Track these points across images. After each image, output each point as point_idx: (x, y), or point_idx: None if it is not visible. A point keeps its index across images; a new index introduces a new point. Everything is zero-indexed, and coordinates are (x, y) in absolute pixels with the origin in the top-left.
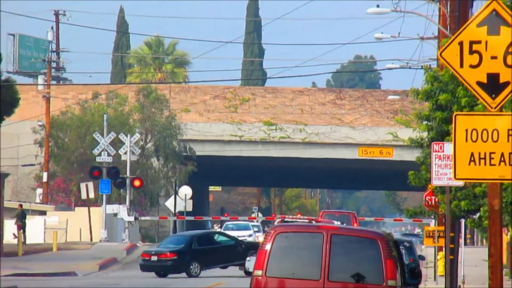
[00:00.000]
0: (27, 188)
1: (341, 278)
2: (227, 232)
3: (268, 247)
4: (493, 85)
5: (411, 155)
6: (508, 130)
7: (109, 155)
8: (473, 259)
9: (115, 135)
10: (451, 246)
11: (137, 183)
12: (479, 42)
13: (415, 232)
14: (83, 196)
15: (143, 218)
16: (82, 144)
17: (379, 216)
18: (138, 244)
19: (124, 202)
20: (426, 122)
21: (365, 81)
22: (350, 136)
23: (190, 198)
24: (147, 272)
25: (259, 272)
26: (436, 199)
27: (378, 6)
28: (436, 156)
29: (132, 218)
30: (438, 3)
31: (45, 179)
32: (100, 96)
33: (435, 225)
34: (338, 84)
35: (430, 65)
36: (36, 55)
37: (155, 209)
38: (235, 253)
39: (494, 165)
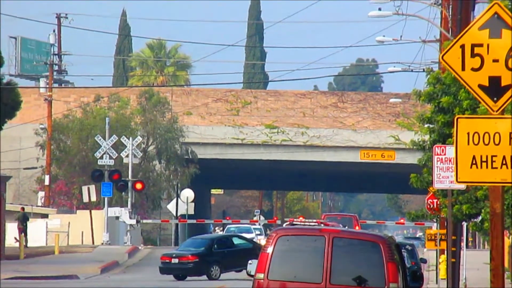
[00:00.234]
0: (29, 191)
1: (343, 281)
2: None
3: (270, 250)
4: (495, 88)
5: (413, 158)
6: (510, 133)
7: (111, 158)
8: (475, 262)
9: (117, 138)
10: (453, 249)
11: (139, 186)
12: (481, 45)
13: (417, 236)
14: (85, 199)
15: (145, 221)
16: (84, 147)
17: (381, 219)
18: (140, 247)
19: (126, 205)
20: (428, 125)
21: (367, 84)
22: (352, 139)
23: (192, 201)
24: (166, 275)
25: (261, 275)
26: (438, 203)
27: (380, 9)
28: (438, 159)
29: (134, 221)
30: (440, 6)
31: (47, 182)
32: (102, 99)
33: (437, 228)
34: (340, 87)
35: (432, 68)
36: (38, 58)
37: (157, 212)
38: (253, 256)
39: (496, 168)
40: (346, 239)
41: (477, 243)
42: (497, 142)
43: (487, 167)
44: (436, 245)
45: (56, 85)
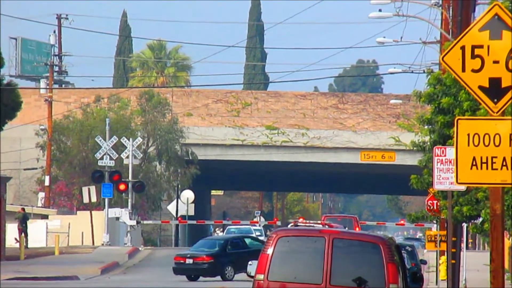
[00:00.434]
0: (29, 192)
1: (343, 282)
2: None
3: (270, 251)
4: (495, 89)
5: (413, 160)
6: (510, 134)
7: (111, 159)
8: (475, 263)
9: (117, 139)
10: (453, 250)
11: (122, 187)
12: (481, 46)
13: (417, 237)
14: (85, 200)
15: (145, 222)
16: (84, 148)
17: (381, 221)
18: (140, 248)
19: (126, 206)
20: (428, 126)
21: (368, 85)
22: (352, 140)
23: (192, 202)
24: (179, 276)
25: (261, 276)
26: (438, 204)
27: (380, 10)
28: (438, 160)
29: (134, 222)
30: (440, 8)
31: (47, 183)
32: (102, 100)
33: (437, 229)
34: (341, 89)
35: (432, 69)
36: (38, 59)
37: (157, 213)
38: None
39: (496, 169)
40: (346, 240)
41: (477, 244)
42: (497, 143)
43: (487, 168)
44: (436, 246)
45: (56, 86)
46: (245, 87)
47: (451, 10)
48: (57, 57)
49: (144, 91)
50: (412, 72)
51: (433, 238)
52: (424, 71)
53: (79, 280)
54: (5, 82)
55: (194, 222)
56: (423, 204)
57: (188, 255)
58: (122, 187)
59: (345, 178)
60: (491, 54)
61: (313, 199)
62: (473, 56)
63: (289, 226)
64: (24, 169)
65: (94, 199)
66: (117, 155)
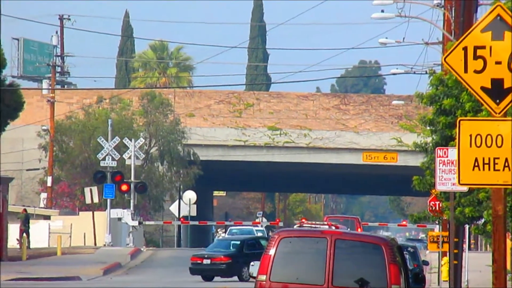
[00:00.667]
0: (32, 192)
1: (345, 283)
2: (231, 237)
3: (272, 252)
4: (497, 90)
5: (416, 160)
6: None
7: (113, 159)
8: (477, 264)
9: (119, 139)
10: (455, 251)
11: (124, 187)
12: (483, 47)
13: (419, 238)
14: (88, 200)
15: (147, 222)
16: (87, 148)
17: (383, 221)
18: (142, 249)
19: (129, 206)
20: (430, 127)
21: (370, 86)
22: (354, 141)
23: (195, 203)
24: (195, 276)
25: (263, 277)
26: (441, 205)
27: (382, 11)
28: (440, 161)
29: (136, 223)
30: (442, 8)
31: (49, 184)
32: (104, 101)
33: (439, 230)
34: (343, 89)
35: (434, 70)
36: (40, 59)
37: (159, 213)
38: None
39: (498, 170)
40: (348, 241)
41: (479, 245)
42: (499, 144)
43: (489, 169)
44: (438, 247)
45: (58, 86)
46: (247, 88)
47: (453, 11)
48: (59, 57)
49: (146, 92)
50: (414, 73)
51: (435, 239)
52: (426, 72)
53: (81, 281)
54: (7, 82)
55: (196, 223)
56: (425, 205)
57: (206, 256)
58: (124, 187)
59: (347, 179)
60: (493, 55)
61: (315, 200)
62: (476, 57)
63: (295, 226)
64: (27, 170)
65: (96, 199)
66: (119, 156)
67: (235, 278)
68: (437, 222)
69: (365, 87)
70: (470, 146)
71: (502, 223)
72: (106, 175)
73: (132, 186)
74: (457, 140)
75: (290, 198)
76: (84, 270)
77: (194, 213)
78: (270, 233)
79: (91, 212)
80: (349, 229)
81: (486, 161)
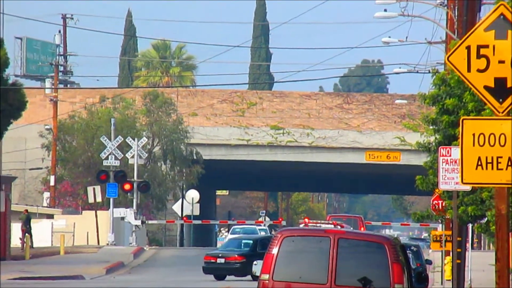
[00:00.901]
0: (35, 191)
1: (348, 282)
2: (234, 236)
3: (275, 251)
4: (500, 89)
5: (419, 160)
6: None
7: (116, 158)
8: (480, 263)
9: (122, 139)
10: (458, 250)
11: (127, 187)
12: (486, 46)
13: (422, 237)
14: (90, 199)
15: (150, 221)
16: (89, 148)
17: (386, 221)
18: (145, 248)
19: (131, 205)
20: (433, 126)
21: (373, 85)
22: (357, 140)
23: (197, 202)
24: (208, 275)
25: (266, 276)
26: (444, 204)
27: (385, 10)
28: (443, 160)
29: (139, 222)
30: (445, 7)
31: (52, 183)
32: (107, 100)
33: (442, 229)
34: (346, 88)
35: (437, 69)
36: (43, 58)
37: (162, 212)
38: None
39: (502, 169)
40: (351, 240)
41: (483, 245)
42: (502, 143)
43: (492, 168)
44: (441, 247)
45: (61, 85)
46: (250, 87)
47: (456, 10)
48: (62, 57)
49: (149, 91)
50: (417, 72)
51: (438, 238)
52: (429, 71)
53: (84, 280)
54: (10, 82)
55: (199, 222)
56: (428, 204)
57: (220, 255)
58: (127, 187)
59: (350, 178)
60: (497, 54)
61: (318, 199)
62: (479, 56)
63: (301, 226)
64: (30, 169)
65: (99, 199)
66: (122, 155)
67: (249, 277)
68: (440, 221)
69: (368, 86)
70: (473, 145)
71: (506, 222)
72: (109, 174)
73: (135, 185)
74: (460, 139)
75: (293, 197)
76: (87, 269)
77: (197, 212)
78: (273, 232)
79: (94, 211)
80: (352, 228)
81: (489, 160)
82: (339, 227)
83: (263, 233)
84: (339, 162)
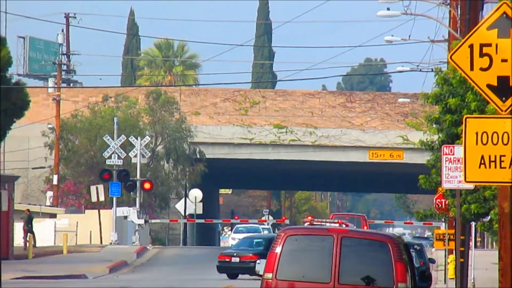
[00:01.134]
0: (38, 191)
1: (351, 281)
2: (237, 235)
3: (278, 250)
4: (503, 88)
5: (422, 158)
6: None
7: (119, 158)
8: (483, 262)
9: (125, 138)
10: (461, 249)
11: (147, 185)
12: (489, 45)
13: (425, 235)
14: (93, 198)
15: (153, 220)
16: (92, 147)
17: (389, 219)
18: (148, 247)
19: (134, 204)
20: (436, 125)
21: (376, 84)
22: (360, 139)
23: (200, 201)
24: (222, 274)
25: (269, 275)
26: (447, 202)
27: (388, 9)
28: (446, 159)
29: (142, 221)
30: (448, 6)
31: (55, 182)
32: (110, 99)
33: (445, 228)
34: (348, 87)
35: (440, 68)
36: (46, 57)
37: (165, 211)
38: None
39: (505, 168)
40: (354, 238)
41: (486, 243)
42: (505, 142)
43: (495, 166)
44: (444, 245)
45: (64, 84)
46: (253, 86)
47: (459, 8)
48: (65, 56)
49: (152, 90)
50: (420, 70)
51: (441, 237)
52: (432, 69)
53: (87, 279)
54: (13, 81)
55: (202, 221)
56: (431, 203)
57: (234, 254)
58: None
59: (353, 177)
60: (500, 53)
61: (321, 198)
62: (482, 55)
63: (305, 224)
64: (32, 168)
65: (102, 198)
66: (125, 154)
67: None
68: (443, 220)
69: (371, 85)
70: (476, 143)
71: (509, 220)
72: (112, 174)
73: (138, 184)
74: (463, 138)
75: (296, 196)
76: (90, 268)
77: (200, 211)
78: (276, 231)
79: (97, 211)
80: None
81: (492, 158)
82: (344, 225)
83: (266, 232)
84: (342, 161)
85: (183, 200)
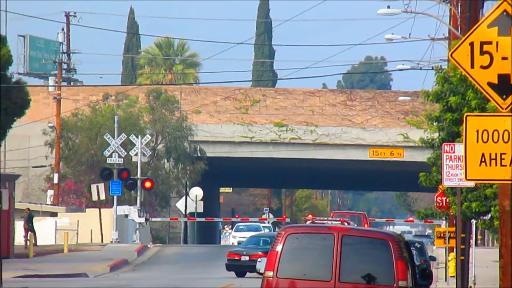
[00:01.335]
0: (38, 189)
1: (352, 279)
2: (238, 233)
3: (279, 248)
4: (504, 86)
5: (422, 156)
6: None
7: (120, 156)
8: (484, 260)
9: (125, 136)
10: (462, 247)
11: (148, 184)
12: (490, 42)
13: (426, 233)
14: (94, 197)
15: (154, 219)
16: (93, 145)
17: (390, 217)
18: (149, 245)
19: (135, 203)
20: (436, 123)
21: (376, 82)
22: (360, 137)
23: (201, 199)
24: (230, 272)
25: (270, 273)
26: (447, 200)
27: (389, 7)
28: (447, 157)
29: (143, 220)
30: (449, 4)
31: (56, 181)
32: (111, 98)
33: (446, 226)
34: (349, 85)
35: (441, 66)
36: (46, 56)
37: (166, 210)
38: None
39: (505, 165)
40: (355, 237)
41: (486, 241)
42: (506, 139)
43: (496, 164)
44: (445, 243)
45: (64, 83)
46: (253, 84)
47: (459, 6)
48: (65, 54)
49: (152, 89)
50: (420, 68)
51: (442, 235)
52: (432, 67)
53: (88, 278)
54: (13, 80)
55: (203, 219)
56: (432, 201)
57: (244, 252)
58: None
59: (354, 175)
60: (500, 51)
61: (321, 196)
62: (482, 53)
63: (307, 223)
64: (33, 167)
65: (102, 196)
66: (125, 153)
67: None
68: (444, 218)
69: (371, 83)
70: (477, 141)
71: (509, 218)
72: (113, 172)
73: (138, 182)
74: (463, 136)
75: (296, 194)
76: (91, 267)
77: (200, 209)
78: (277, 229)
79: (97, 209)
80: (356, 225)
81: (493, 156)
82: (346, 224)
83: (267, 230)
84: (342, 159)
85: (183, 198)
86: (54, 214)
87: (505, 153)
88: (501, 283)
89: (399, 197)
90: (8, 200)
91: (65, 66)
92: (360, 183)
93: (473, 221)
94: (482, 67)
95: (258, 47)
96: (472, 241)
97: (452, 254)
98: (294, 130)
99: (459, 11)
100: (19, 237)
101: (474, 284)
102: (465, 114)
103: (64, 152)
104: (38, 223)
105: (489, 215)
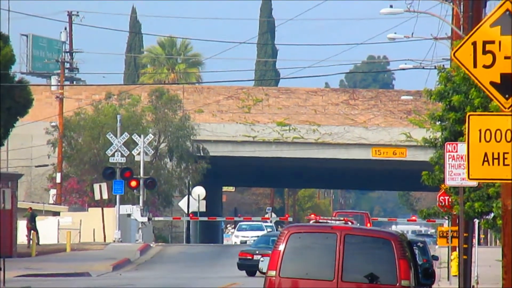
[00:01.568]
0: (41, 189)
1: (355, 279)
2: (241, 232)
3: (281, 247)
4: (506, 85)
5: (425, 156)
6: None
7: (122, 155)
8: (487, 259)
9: (128, 136)
10: (464, 246)
11: (133, 183)
12: (492, 42)
13: (429, 233)
14: (97, 196)
15: (156, 218)
16: (96, 145)
17: (392, 217)
18: (151, 245)
19: (138, 202)
20: (439, 122)
21: (378, 81)
22: (363, 136)
23: (204, 199)
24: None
25: (273, 273)
26: (450, 200)
27: (391, 6)
28: (450, 156)
29: (145, 219)
30: (451, 4)
31: (58, 180)
32: (113, 97)
33: (448, 225)
34: (351, 85)
35: (443, 65)
36: (49, 55)
37: (168, 209)
38: None
39: (508, 165)
40: (357, 236)
41: (489, 240)
42: (508, 139)
43: (498, 164)
44: (448, 242)
45: (67, 82)
46: (256, 84)
47: (462, 6)
48: (68, 54)
49: (155, 88)
50: (423, 68)
51: (444, 234)
52: (435, 67)
53: (90, 277)
54: (16, 79)
55: (206, 218)
56: (434, 200)
57: (257, 252)
58: (133, 183)
59: (356, 174)
60: (503, 50)
61: (324, 195)
62: (485, 52)
63: (311, 222)
64: (36, 166)
65: (105, 196)
66: (128, 152)
67: None
68: (446, 218)
69: (374, 82)
70: (480, 141)
71: None
72: (115, 171)
73: (141, 182)
74: (466, 135)
75: (299, 193)
76: (93, 266)
77: (203, 208)
78: (279, 229)
79: (100, 208)
80: (358, 224)
81: (496, 156)
82: (349, 223)
83: (269, 230)
84: (345, 158)
85: (186, 198)
86: (56, 213)
87: (507, 153)
88: (504, 282)
89: (402, 197)
90: (11, 199)
91: (67, 65)
92: (362, 183)
93: (476, 221)
94: (485, 66)
95: (260, 47)
96: (475, 240)
97: (455, 253)
98: (296, 130)
99: (462, 11)
100: (22, 236)
101: (477, 283)
102: (468, 114)
103: (67, 152)
104: (41, 222)
105: (492, 215)
